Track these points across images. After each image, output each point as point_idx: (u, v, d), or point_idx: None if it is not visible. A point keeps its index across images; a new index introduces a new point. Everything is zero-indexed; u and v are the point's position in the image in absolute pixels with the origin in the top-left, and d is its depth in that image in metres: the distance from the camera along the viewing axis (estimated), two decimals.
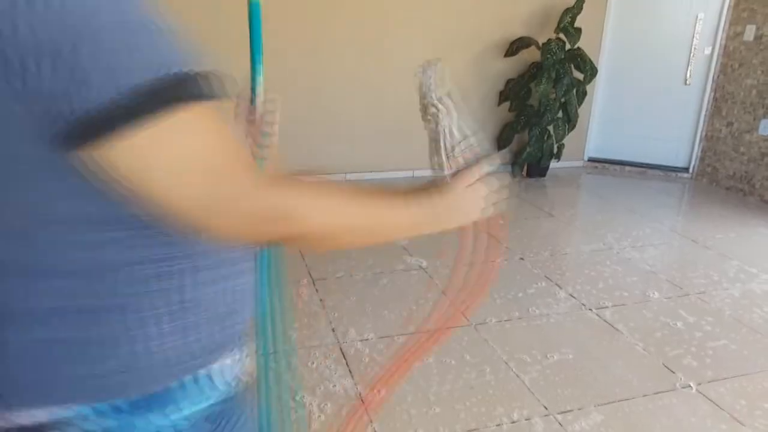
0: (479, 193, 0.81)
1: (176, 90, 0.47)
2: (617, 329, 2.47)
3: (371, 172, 4.90)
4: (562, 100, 4.66)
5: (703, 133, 4.97)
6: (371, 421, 1.84)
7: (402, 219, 0.74)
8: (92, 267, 0.53)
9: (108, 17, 0.44)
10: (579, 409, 1.93)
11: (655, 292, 2.84)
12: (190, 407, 0.61)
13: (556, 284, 2.88)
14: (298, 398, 1.95)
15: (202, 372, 0.61)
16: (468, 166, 0.81)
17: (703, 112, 4.94)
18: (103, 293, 0.54)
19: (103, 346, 0.55)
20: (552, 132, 4.85)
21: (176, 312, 0.57)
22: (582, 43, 4.76)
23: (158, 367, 0.58)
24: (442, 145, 0.85)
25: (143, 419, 0.58)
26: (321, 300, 2.66)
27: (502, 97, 4.88)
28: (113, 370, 0.56)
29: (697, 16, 4.78)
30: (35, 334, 0.54)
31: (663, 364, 2.21)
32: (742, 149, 4.62)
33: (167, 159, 0.48)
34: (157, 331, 0.56)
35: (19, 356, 0.54)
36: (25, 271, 0.52)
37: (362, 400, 1.91)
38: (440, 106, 0.85)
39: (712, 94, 4.85)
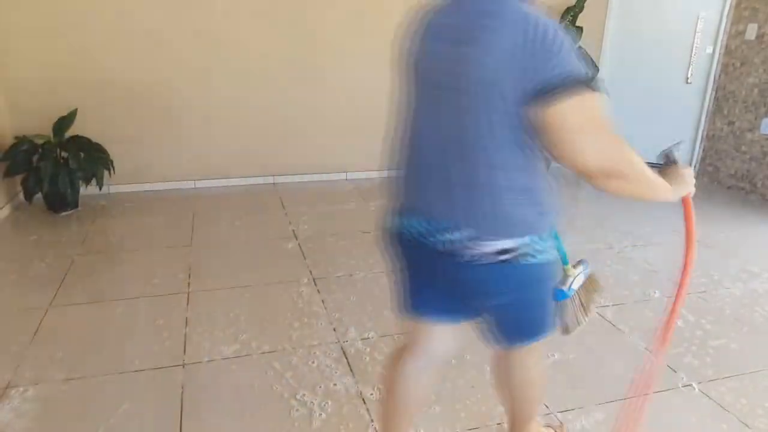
0: (690, 176, 1.32)
1: (586, 82, 1.02)
2: (618, 328, 2.46)
3: (372, 170, 4.89)
4: None
5: (705, 132, 4.96)
6: (372, 421, 1.84)
7: (660, 185, 1.21)
8: (517, 165, 1.13)
9: (562, 46, 1.02)
10: (580, 408, 1.93)
11: (656, 291, 2.83)
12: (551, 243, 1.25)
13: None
14: (298, 397, 1.95)
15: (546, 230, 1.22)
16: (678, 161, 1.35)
17: (705, 111, 4.93)
18: (523, 178, 1.15)
19: (527, 206, 1.17)
20: None
21: (545, 194, 1.21)
22: (583, 42, 4.75)
23: (548, 220, 1.22)
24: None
25: (548, 243, 1.23)
26: (322, 299, 2.66)
27: None
28: (534, 216, 1.18)
29: (698, 15, 4.77)
30: (502, 198, 1.14)
31: (664, 363, 2.21)
32: (743, 148, 4.61)
33: (576, 118, 1.02)
34: (545, 202, 1.21)
35: (492, 210, 1.15)
36: (493, 166, 1.12)
37: None
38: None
39: (714, 93, 4.84)
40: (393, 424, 1.53)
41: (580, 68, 1.04)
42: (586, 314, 1.65)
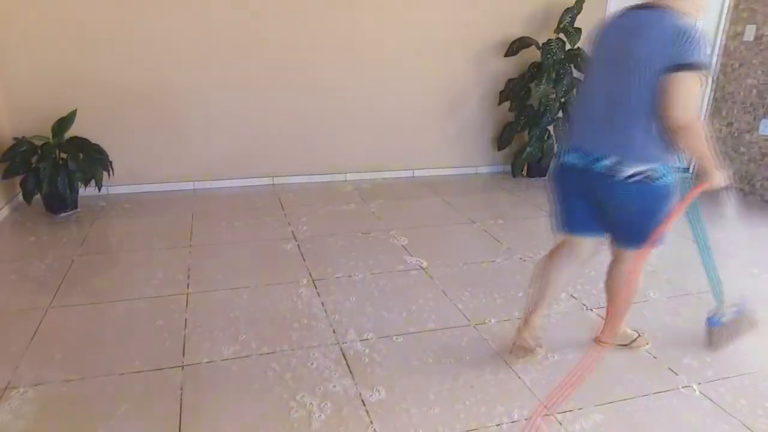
0: (723, 179, 1.89)
1: (698, 68, 1.69)
2: None
3: (371, 171, 4.90)
4: (562, 100, 4.66)
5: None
6: (371, 422, 1.84)
7: (710, 156, 1.81)
8: (651, 117, 1.78)
9: (693, 42, 1.69)
10: (579, 409, 1.93)
11: (656, 292, 2.84)
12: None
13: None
14: (298, 398, 1.95)
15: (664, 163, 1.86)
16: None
17: (704, 112, 4.93)
18: (654, 126, 1.79)
19: (655, 143, 1.82)
20: (552, 132, 4.85)
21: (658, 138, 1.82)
22: (582, 43, 4.75)
23: (668, 155, 1.87)
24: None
25: (668, 171, 1.86)
26: (321, 300, 2.66)
27: (503, 96, 4.88)
28: (659, 151, 1.83)
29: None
30: (641, 136, 1.81)
31: (663, 364, 2.21)
32: (742, 149, 4.61)
33: (681, 88, 1.70)
34: (665, 143, 1.83)
35: (633, 144, 1.82)
36: (638, 115, 1.80)
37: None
38: None
39: (712, 94, 4.85)
40: (539, 304, 2.20)
41: (699, 58, 1.69)
42: (729, 342, 2.31)
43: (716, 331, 2.32)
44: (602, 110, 1.88)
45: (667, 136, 1.81)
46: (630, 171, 1.83)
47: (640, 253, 2.02)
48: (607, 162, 1.86)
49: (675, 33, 1.70)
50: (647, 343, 2.36)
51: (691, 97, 1.73)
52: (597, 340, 2.29)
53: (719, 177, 1.89)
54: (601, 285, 2.87)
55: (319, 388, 2.00)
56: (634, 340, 2.35)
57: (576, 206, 2.06)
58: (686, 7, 1.79)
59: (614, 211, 1.94)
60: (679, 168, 1.93)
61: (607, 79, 1.88)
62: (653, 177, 1.84)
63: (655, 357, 2.26)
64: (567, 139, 2.04)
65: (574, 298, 2.74)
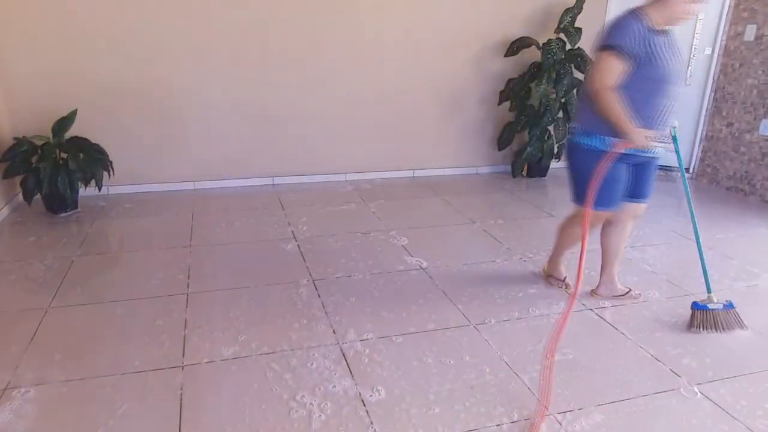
0: (645, 138, 2.25)
1: (611, 48, 2.20)
2: (617, 329, 2.46)
3: (371, 172, 4.90)
4: (563, 100, 4.66)
5: (704, 133, 4.97)
6: (372, 423, 1.84)
7: (623, 120, 2.21)
8: (586, 91, 2.35)
9: (617, 26, 2.24)
10: (579, 409, 1.93)
11: (655, 292, 2.84)
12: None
13: (548, 284, 2.88)
14: (298, 398, 1.95)
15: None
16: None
17: (704, 112, 4.93)
18: (585, 95, 2.34)
19: (584, 112, 2.39)
20: (552, 132, 4.85)
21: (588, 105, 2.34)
22: (582, 43, 4.75)
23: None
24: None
25: (593, 133, 2.37)
26: (321, 300, 2.66)
27: (503, 96, 4.88)
28: (586, 116, 2.38)
29: (697, 16, 4.77)
30: (580, 105, 2.46)
31: (663, 364, 2.21)
32: (742, 149, 4.61)
33: (598, 63, 2.24)
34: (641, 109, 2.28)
35: (577, 111, 2.49)
36: (583, 89, 2.40)
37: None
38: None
39: (713, 94, 4.85)
40: (605, 260, 2.76)
41: (614, 42, 2.19)
42: (705, 329, 2.45)
43: (699, 315, 2.46)
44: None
45: (590, 102, 2.31)
46: (571, 125, 2.54)
47: (583, 211, 2.44)
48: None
49: (610, 24, 2.25)
50: (565, 288, 2.82)
51: (603, 70, 2.22)
52: (595, 293, 2.78)
53: (637, 136, 2.24)
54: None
55: (319, 389, 2.00)
56: (624, 294, 2.74)
57: None
58: (654, 15, 2.21)
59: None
60: (610, 138, 2.32)
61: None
62: (575, 133, 2.42)
63: (655, 357, 2.26)
64: None
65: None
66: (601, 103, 2.24)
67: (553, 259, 2.88)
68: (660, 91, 2.25)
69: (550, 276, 2.89)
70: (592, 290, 2.79)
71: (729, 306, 2.47)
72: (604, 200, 2.41)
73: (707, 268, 2.52)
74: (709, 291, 2.49)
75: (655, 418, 1.89)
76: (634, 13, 2.21)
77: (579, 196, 2.47)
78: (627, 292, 2.75)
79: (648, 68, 2.20)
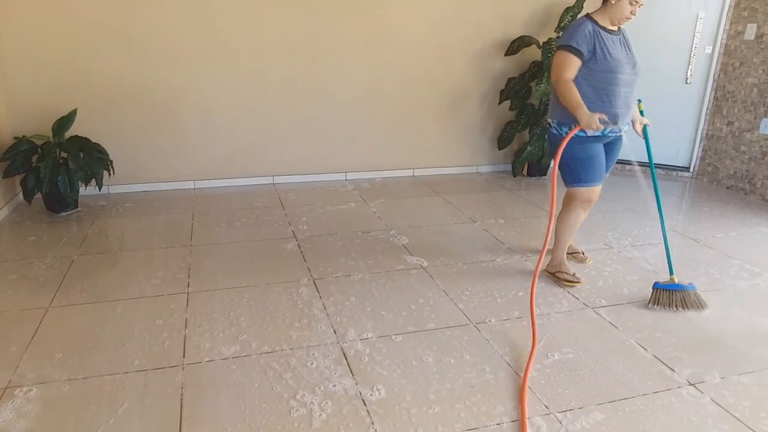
0: (594, 120, 2.53)
1: (567, 47, 2.63)
2: (618, 328, 2.46)
3: (371, 171, 4.89)
4: None
5: (704, 132, 4.96)
6: (372, 423, 1.84)
7: (576, 106, 2.57)
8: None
9: (571, 29, 2.69)
10: (579, 408, 1.93)
11: None
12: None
13: (557, 283, 2.88)
14: (298, 397, 1.95)
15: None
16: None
17: (704, 111, 4.93)
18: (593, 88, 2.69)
19: (555, 104, 2.77)
20: None
21: (592, 97, 2.66)
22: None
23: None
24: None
25: (561, 122, 2.77)
26: (321, 300, 2.66)
27: (503, 95, 4.87)
28: (556, 108, 2.77)
29: (697, 15, 4.77)
30: (553, 99, 2.80)
31: (664, 364, 2.21)
32: (743, 148, 4.61)
33: (556, 62, 2.67)
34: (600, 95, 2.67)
35: (551, 103, 2.84)
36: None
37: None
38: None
39: (713, 93, 4.84)
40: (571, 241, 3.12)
41: (567, 42, 2.61)
42: (664, 307, 2.64)
43: (659, 293, 2.67)
44: None
45: (554, 97, 2.73)
46: (546, 120, 2.93)
47: (572, 192, 2.83)
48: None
49: (567, 27, 2.74)
50: (577, 284, 2.87)
51: (558, 64, 2.64)
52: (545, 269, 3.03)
53: (587, 119, 2.53)
54: (601, 284, 2.89)
55: (320, 388, 2.00)
56: (561, 272, 2.91)
57: None
58: (601, 18, 2.67)
59: None
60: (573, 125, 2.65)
61: None
62: (552, 126, 2.79)
63: (655, 357, 2.26)
64: None
65: (574, 297, 2.74)
66: (560, 93, 2.63)
67: (556, 256, 2.94)
68: (612, 80, 2.62)
69: (558, 272, 2.92)
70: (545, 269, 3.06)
71: (690, 287, 2.66)
72: (589, 176, 2.75)
73: (670, 251, 2.76)
74: (671, 273, 2.72)
75: (655, 418, 1.89)
76: (586, 17, 2.68)
77: (571, 179, 2.79)
78: (570, 276, 2.93)
79: (599, 61, 2.61)
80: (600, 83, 2.62)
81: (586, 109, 2.56)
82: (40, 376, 2.04)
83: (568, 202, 2.87)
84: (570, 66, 2.61)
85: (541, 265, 2.59)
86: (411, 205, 4.18)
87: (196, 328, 2.38)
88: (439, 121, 4.94)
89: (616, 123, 2.66)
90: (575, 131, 2.63)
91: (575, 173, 2.75)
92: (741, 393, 2.04)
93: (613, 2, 2.61)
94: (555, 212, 2.60)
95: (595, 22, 2.65)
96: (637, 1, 2.59)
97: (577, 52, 2.59)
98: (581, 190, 2.79)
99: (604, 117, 2.55)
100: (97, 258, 3.11)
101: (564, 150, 2.67)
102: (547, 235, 2.57)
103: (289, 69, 4.39)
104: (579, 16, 2.62)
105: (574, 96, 2.58)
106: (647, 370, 2.17)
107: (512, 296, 2.74)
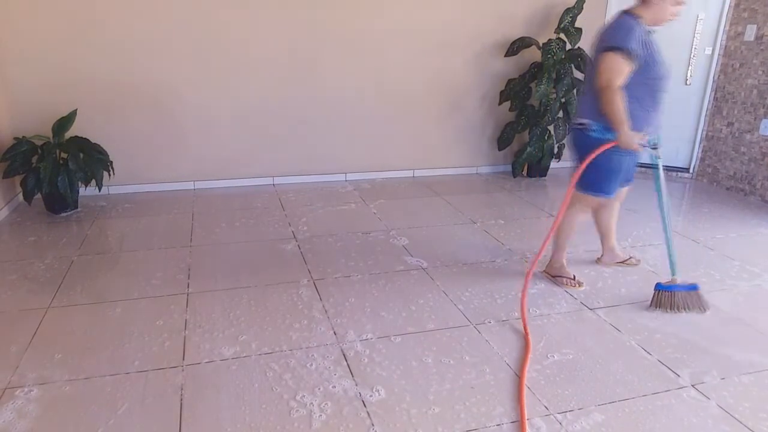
0: (633, 139, 2.41)
1: (619, 50, 2.34)
2: (617, 329, 2.46)
3: (371, 172, 4.89)
4: (563, 100, 4.66)
5: (704, 133, 4.96)
6: (372, 425, 1.84)
7: (622, 121, 2.37)
8: (591, 87, 2.52)
9: (620, 29, 2.41)
10: (579, 409, 1.93)
11: None
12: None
13: (557, 284, 2.88)
14: (298, 398, 1.95)
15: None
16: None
17: (704, 112, 4.93)
18: (591, 91, 2.52)
19: (589, 107, 2.55)
20: (552, 132, 4.85)
21: (636, 107, 2.46)
22: (582, 43, 4.75)
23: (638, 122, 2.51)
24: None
25: (601, 128, 2.53)
26: (321, 301, 2.66)
27: (503, 96, 4.88)
28: (592, 112, 2.54)
29: (697, 16, 4.77)
30: (585, 99, 2.62)
31: (664, 364, 2.21)
32: (742, 149, 4.61)
33: (607, 66, 2.37)
34: (644, 106, 2.50)
35: (581, 104, 2.66)
36: (587, 86, 2.59)
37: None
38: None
39: (713, 94, 4.84)
40: (602, 234, 3.08)
41: (617, 43, 2.34)
42: (666, 309, 2.61)
43: (657, 295, 2.64)
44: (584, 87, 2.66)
45: (596, 99, 2.46)
46: (578, 121, 2.61)
47: (581, 197, 2.75)
48: (574, 117, 2.73)
49: (611, 26, 2.42)
50: (577, 287, 2.84)
51: (609, 70, 2.36)
52: (543, 271, 2.98)
53: (628, 139, 2.40)
54: (600, 284, 2.89)
55: (319, 389, 2.00)
56: (562, 276, 2.88)
57: None
58: (646, 17, 2.41)
59: (571, 152, 2.75)
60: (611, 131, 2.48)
61: (591, 70, 2.54)
62: (589, 129, 2.54)
63: (655, 357, 2.26)
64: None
65: (574, 297, 2.74)
66: (607, 101, 2.39)
67: (557, 259, 2.92)
68: (659, 89, 2.46)
69: (558, 276, 2.90)
70: (597, 258, 3.15)
71: (692, 288, 2.63)
72: (610, 188, 2.68)
73: (673, 251, 2.69)
74: (673, 274, 2.68)
75: (655, 419, 1.89)
76: (630, 15, 2.40)
77: (589, 186, 2.69)
78: (627, 259, 3.09)
79: (649, 68, 2.40)
80: (644, 93, 2.43)
81: (628, 127, 2.39)
82: (40, 376, 2.04)
83: (573, 204, 2.79)
84: (622, 72, 2.35)
85: (536, 267, 2.58)
86: (411, 205, 4.18)
87: (196, 329, 2.38)
88: (439, 121, 4.94)
89: (654, 134, 2.54)
90: (612, 145, 2.47)
91: (598, 182, 2.63)
92: (741, 394, 2.04)
93: (654, 1, 2.38)
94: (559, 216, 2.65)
95: (640, 22, 2.38)
96: (679, 2, 2.39)
97: (631, 57, 2.34)
98: (594, 199, 2.73)
99: (646, 139, 2.43)
100: (97, 258, 3.11)
101: (598, 156, 2.50)
102: (548, 237, 2.58)
103: (289, 69, 4.39)
104: (619, 15, 2.40)
105: (622, 110, 2.37)
106: (647, 371, 2.17)
107: (512, 297, 2.74)
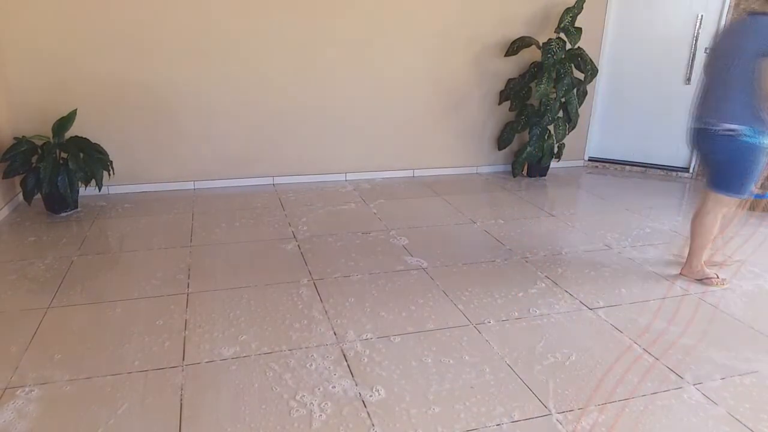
0: None
1: None
2: (617, 329, 2.46)
3: (371, 171, 4.89)
4: (563, 99, 4.66)
5: None
6: (373, 425, 1.84)
7: None
8: (747, 92, 2.54)
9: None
10: (579, 409, 1.93)
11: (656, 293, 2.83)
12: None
13: (556, 284, 2.88)
14: (298, 398, 1.95)
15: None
16: None
17: None
18: (748, 97, 2.55)
19: (743, 111, 2.58)
20: (552, 131, 4.85)
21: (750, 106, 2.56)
22: (582, 43, 4.75)
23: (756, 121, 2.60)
24: None
25: (757, 135, 2.57)
26: (321, 301, 2.66)
27: (503, 96, 4.88)
28: (748, 116, 2.57)
29: (697, 15, 4.77)
30: (734, 103, 2.60)
31: (664, 364, 2.21)
32: None
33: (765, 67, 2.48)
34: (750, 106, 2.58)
35: (730, 107, 2.61)
36: (737, 90, 2.57)
37: None
38: None
39: None
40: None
41: None
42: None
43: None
44: (714, 89, 2.67)
45: (759, 104, 2.52)
46: (725, 126, 2.61)
47: (719, 198, 2.77)
48: (711, 120, 2.67)
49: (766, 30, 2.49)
50: (722, 285, 2.89)
51: None
52: (681, 274, 3.00)
53: None
54: (601, 284, 2.89)
55: (319, 389, 2.00)
56: (708, 278, 2.91)
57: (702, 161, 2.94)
58: None
59: (710, 156, 2.77)
60: None
61: (720, 66, 2.62)
62: (742, 134, 2.57)
63: (656, 358, 2.26)
64: (693, 111, 2.83)
65: (574, 297, 2.74)
66: None
67: (695, 261, 2.93)
68: None
69: (706, 278, 2.92)
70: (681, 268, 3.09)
71: None
72: (747, 189, 2.74)
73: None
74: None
75: (655, 419, 1.89)
76: None
77: (732, 187, 2.73)
78: (713, 277, 2.98)
79: None
80: None
81: None
82: (40, 376, 2.04)
83: (711, 205, 2.81)
84: None
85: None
86: (411, 205, 4.18)
87: (195, 329, 2.38)
88: (439, 121, 4.94)
89: None
90: None
91: (744, 183, 2.68)
92: (742, 394, 2.04)
93: None
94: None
95: None
96: None
97: None
98: (732, 200, 2.77)
99: None
100: (97, 258, 3.11)
101: (748, 159, 2.61)
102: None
103: (289, 69, 4.39)
104: None
105: None
106: (647, 371, 2.17)
107: (512, 297, 2.74)
